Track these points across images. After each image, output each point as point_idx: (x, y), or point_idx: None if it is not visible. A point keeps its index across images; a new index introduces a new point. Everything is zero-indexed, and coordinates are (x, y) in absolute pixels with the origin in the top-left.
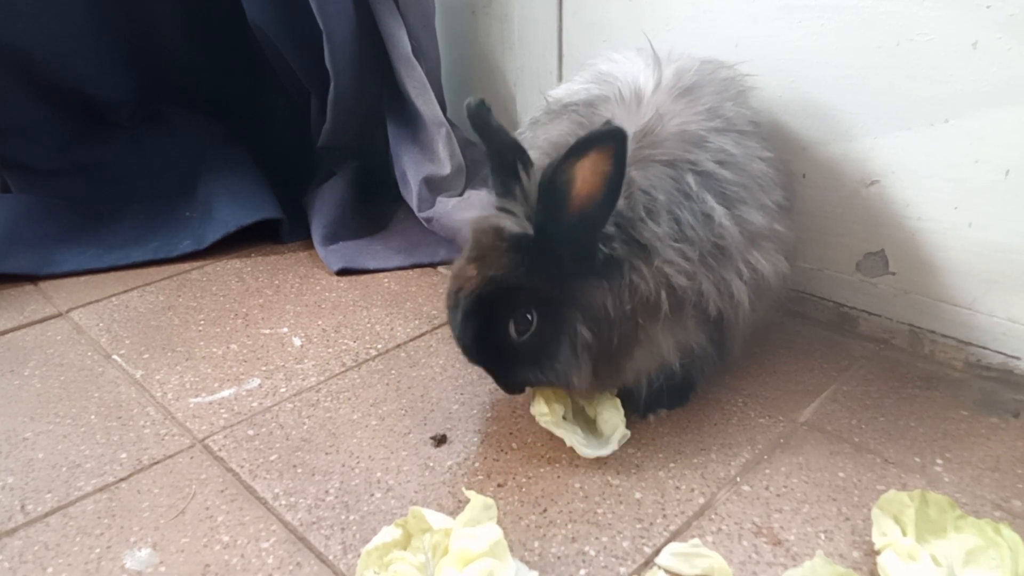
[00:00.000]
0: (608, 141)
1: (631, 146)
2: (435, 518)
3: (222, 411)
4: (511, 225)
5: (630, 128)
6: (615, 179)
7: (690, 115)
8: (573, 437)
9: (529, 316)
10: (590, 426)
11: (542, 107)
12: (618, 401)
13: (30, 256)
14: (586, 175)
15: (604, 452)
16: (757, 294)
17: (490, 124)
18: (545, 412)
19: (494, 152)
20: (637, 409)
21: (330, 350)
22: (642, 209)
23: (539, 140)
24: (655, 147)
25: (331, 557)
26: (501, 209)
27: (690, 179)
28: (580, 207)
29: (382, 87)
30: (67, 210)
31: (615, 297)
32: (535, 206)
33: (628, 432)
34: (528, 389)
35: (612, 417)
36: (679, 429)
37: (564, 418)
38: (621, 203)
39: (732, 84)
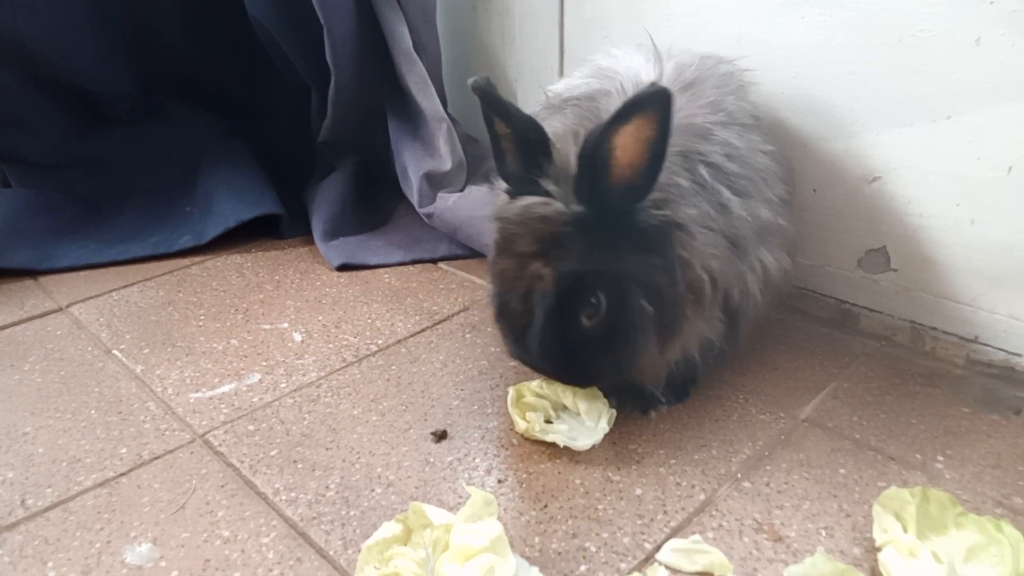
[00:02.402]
0: (654, 104)
1: None
2: (435, 514)
3: (222, 406)
4: (569, 207)
5: None
6: (660, 143)
7: (694, 108)
8: (562, 437)
9: (594, 300)
10: (577, 419)
11: (541, 102)
12: (595, 389)
13: (30, 251)
14: (627, 142)
15: (597, 438)
16: (765, 289)
17: (503, 101)
18: (524, 426)
19: (516, 131)
20: (639, 405)
21: (330, 346)
22: (674, 192)
23: None
24: None
25: (331, 552)
26: (536, 192)
27: (703, 171)
28: (624, 177)
29: (383, 82)
30: (67, 205)
31: (669, 274)
32: (576, 182)
33: (614, 411)
34: (508, 406)
35: (595, 403)
36: (680, 425)
37: (549, 421)
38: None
39: (732, 79)
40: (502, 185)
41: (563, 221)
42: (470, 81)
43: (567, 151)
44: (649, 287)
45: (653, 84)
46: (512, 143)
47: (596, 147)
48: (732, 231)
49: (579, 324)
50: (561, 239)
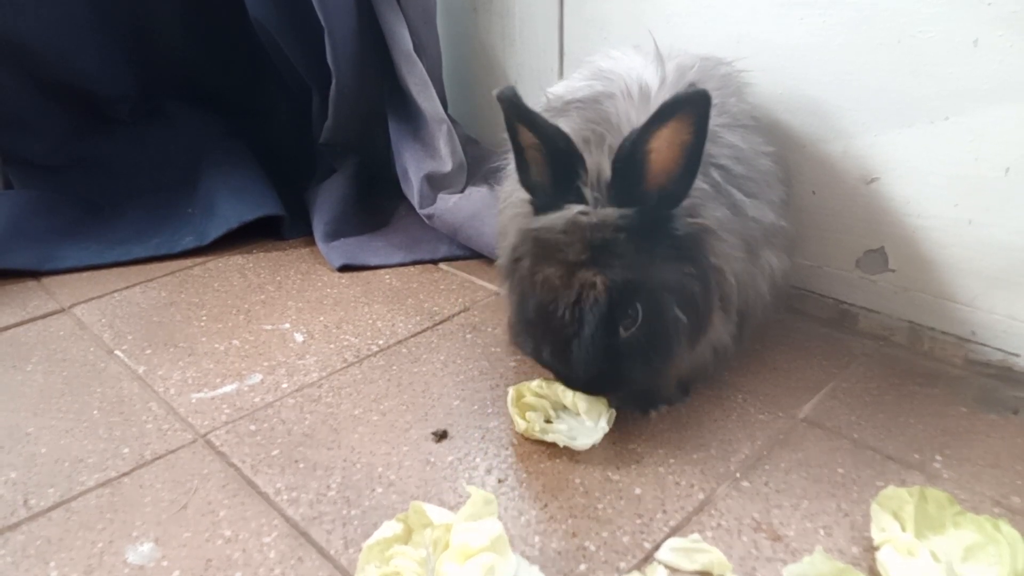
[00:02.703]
0: (694, 106)
1: None
2: (436, 513)
3: (224, 406)
4: (619, 214)
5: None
6: (695, 148)
7: None
8: (562, 437)
9: (631, 311)
10: (577, 419)
11: (541, 104)
12: None
13: (32, 252)
14: (662, 146)
15: (598, 437)
16: (770, 289)
17: (531, 111)
18: (524, 426)
19: (547, 143)
20: (640, 405)
21: (332, 346)
22: (698, 195)
23: None
24: None
25: (332, 552)
26: (576, 200)
27: (715, 173)
28: (658, 183)
29: (383, 83)
30: (69, 206)
31: (703, 283)
32: (612, 188)
33: (614, 411)
34: (508, 406)
35: (594, 403)
36: (679, 425)
37: (549, 421)
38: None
39: (731, 80)
40: (509, 190)
41: (615, 227)
42: (495, 92)
43: (595, 158)
44: (683, 296)
45: (693, 85)
46: (540, 153)
47: (632, 151)
48: (747, 233)
49: (617, 332)
50: (612, 246)
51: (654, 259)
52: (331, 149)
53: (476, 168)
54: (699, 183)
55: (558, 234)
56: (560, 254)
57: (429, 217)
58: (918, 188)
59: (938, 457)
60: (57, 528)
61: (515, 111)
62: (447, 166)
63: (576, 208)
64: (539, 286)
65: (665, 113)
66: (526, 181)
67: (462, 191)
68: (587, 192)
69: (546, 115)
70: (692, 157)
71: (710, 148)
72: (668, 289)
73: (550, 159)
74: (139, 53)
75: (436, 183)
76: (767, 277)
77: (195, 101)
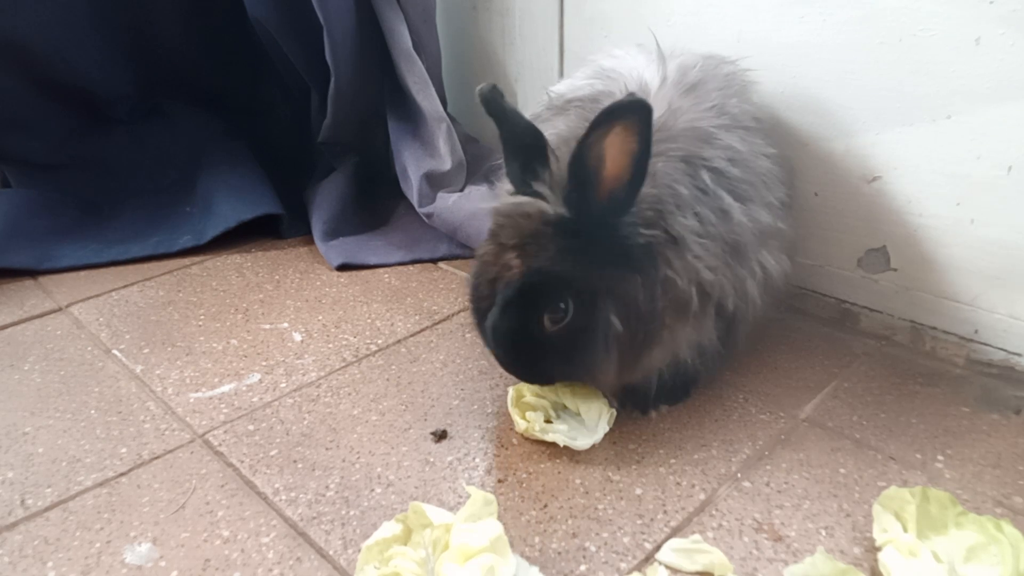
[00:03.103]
0: (630, 114)
1: None
2: (435, 513)
3: (222, 406)
4: (553, 209)
5: None
6: (641, 157)
7: (699, 112)
8: (562, 436)
9: (563, 305)
10: (577, 419)
11: (543, 103)
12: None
13: (30, 251)
14: (614, 154)
15: (598, 437)
16: (765, 292)
17: (504, 108)
18: (524, 426)
19: (510, 136)
20: (639, 405)
21: (330, 345)
22: (671, 202)
23: (545, 135)
24: (670, 142)
25: (331, 552)
26: (530, 193)
27: (705, 176)
28: (609, 188)
29: (382, 82)
30: (67, 205)
31: (648, 292)
32: (564, 188)
33: (614, 411)
34: (508, 406)
35: (595, 403)
36: (680, 425)
37: (549, 421)
38: (653, 191)
39: (734, 80)
40: (503, 185)
41: (544, 220)
42: (478, 89)
43: (566, 158)
44: (624, 304)
45: (631, 94)
46: (510, 148)
47: (583, 154)
48: (732, 236)
49: (540, 323)
50: (539, 238)
51: (597, 262)
52: (330, 148)
53: (476, 167)
54: (680, 189)
55: (502, 217)
56: (498, 237)
57: (428, 216)
58: (920, 187)
59: (940, 457)
60: (55, 528)
61: (487, 106)
62: (446, 164)
63: (523, 198)
64: (477, 259)
65: (601, 121)
66: (508, 172)
67: (462, 190)
68: (540, 187)
69: (547, 113)
70: (638, 166)
71: (705, 150)
72: (607, 294)
73: (517, 152)
74: (138, 53)
75: (435, 182)
76: (759, 279)
77: (194, 101)
